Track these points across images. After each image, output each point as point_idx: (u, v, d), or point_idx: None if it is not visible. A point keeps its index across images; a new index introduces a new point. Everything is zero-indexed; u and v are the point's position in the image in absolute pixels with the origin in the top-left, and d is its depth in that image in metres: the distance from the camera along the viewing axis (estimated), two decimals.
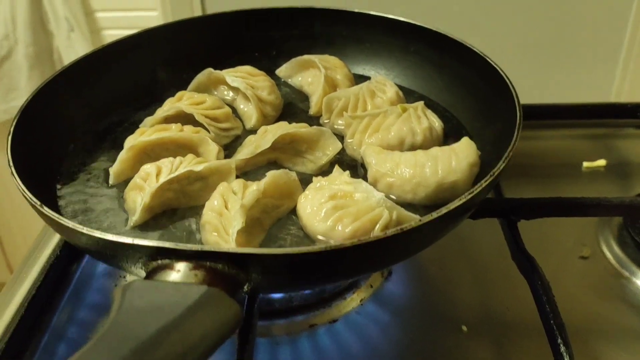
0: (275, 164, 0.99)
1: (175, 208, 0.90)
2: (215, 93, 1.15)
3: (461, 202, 0.73)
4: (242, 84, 1.08)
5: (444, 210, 0.72)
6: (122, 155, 0.94)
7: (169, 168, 0.90)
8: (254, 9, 1.24)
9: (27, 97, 0.96)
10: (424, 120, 0.98)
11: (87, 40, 1.98)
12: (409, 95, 1.14)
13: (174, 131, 0.98)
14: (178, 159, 0.92)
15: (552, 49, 1.65)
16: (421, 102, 1.01)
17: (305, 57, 1.16)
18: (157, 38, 1.18)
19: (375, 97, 1.05)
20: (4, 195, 2.34)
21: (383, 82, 1.07)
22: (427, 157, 0.88)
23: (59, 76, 1.03)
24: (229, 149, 1.03)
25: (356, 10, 1.20)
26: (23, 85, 2.06)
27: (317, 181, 0.88)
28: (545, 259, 0.91)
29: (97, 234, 0.69)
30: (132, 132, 1.01)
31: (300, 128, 0.97)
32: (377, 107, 1.03)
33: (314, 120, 1.09)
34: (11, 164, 0.83)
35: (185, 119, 1.02)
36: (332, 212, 0.82)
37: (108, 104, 1.11)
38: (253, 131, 1.06)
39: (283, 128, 0.98)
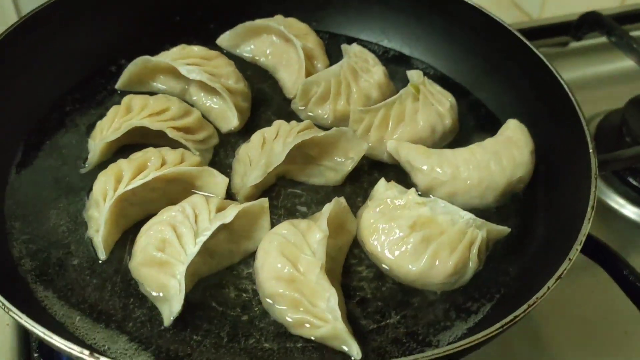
0: (283, 179, 0.80)
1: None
2: (155, 84, 0.88)
3: None
4: (205, 76, 0.82)
5: None
6: (106, 217, 0.68)
7: (189, 225, 0.67)
8: None
9: None
10: (440, 98, 0.84)
11: None
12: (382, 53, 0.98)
13: (156, 165, 0.73)
14: (188, 206, 0.69)
15: None
16: (420, 74, 0.86)
17: (259, 22, 0.92)
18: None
19: (360, 78, 0.87)
20: None
21: (363, 56, 0.89)
22: (487, 153, 0.76)
23: None
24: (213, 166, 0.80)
25: None
26: None
27: (374, 205, 0.72)
28: None
29: None
30: None
31: (316, 132, 0.77)
32: (364, 92, 0.86)
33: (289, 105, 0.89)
34: None
35: (139, 132, 0.77)
36: (423, 246, 0.68)
37: None
38: (232, 134, 0.84)
39: (293, 132, 0.77)
